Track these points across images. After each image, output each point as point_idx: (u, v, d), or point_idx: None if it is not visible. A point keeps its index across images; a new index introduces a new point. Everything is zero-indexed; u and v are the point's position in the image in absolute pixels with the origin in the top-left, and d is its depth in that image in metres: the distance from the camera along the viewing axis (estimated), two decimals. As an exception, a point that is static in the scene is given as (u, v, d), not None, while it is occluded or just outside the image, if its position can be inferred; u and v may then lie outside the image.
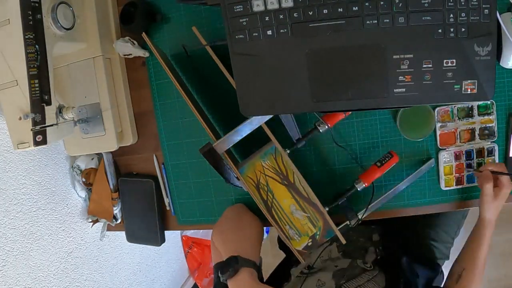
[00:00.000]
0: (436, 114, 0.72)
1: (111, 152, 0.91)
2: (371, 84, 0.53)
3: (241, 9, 0.54)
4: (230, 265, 0.62)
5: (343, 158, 0.78)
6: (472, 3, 0.49)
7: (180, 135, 0.86)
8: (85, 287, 1.06)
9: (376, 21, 0.51)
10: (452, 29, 0.50)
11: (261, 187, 0.68)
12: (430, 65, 0.51)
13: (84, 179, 0.94)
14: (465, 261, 0.71)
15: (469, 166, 0.75)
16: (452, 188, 0.76)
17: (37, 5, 0.64)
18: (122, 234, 0.96)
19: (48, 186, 0.93)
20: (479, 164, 0.74)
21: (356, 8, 0.51)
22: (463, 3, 0.49)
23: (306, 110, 0.57)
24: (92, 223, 0.98)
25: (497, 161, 0.74)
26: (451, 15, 0.50)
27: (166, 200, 0.90)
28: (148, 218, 0.90)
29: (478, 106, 0.72)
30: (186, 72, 0.81)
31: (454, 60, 0.51)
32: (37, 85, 0.65)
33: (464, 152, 0.74)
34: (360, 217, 0.73)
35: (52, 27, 0.68)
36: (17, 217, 0.84)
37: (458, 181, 0.75)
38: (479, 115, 0.73)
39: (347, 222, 0.73)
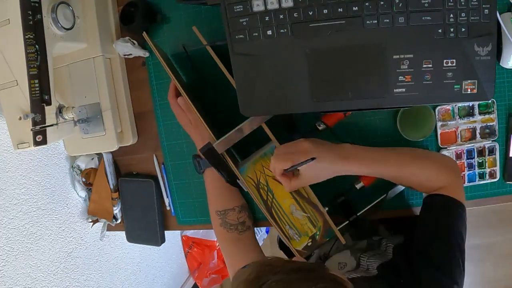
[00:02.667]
0: (436, 113, 0.72)
1: (111, 152, 0.91)
2: (371, 84, 0.53)
3: (241, 9, 0.54)
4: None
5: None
6: (472, 3, 0.49)
7: (180, 135, 0.86)
8: (85, 287, 1.06)
9: (376, 21, 0.51)
10: (452, 29, 0.50)
11: (261, 187, 0.68)
12: (430, 65, 0.51)
13: (84, 179, 0.94)
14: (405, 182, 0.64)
15: (470, 165, 0.75)
16: (452, 188, 0.76)
17: (37, 5, 0.64)
18: (122, 234, 0.96)
19: (48, 186, 0.93)
20: (480, 164, 0.74)
21: (356, 8, 0.51)
22: (463, 3, 0.49)
23: (306, 110, 0.57)
24: (92, 223, 0.98)
25: (498, 159, 0.74)
26: (451, 15, 0.50)
27: (166, 200, 0.90)
28: (148, 218, 0.90)
29: (479, 105, 0.72)
30: (186, 72, 0.81)
31: (454, 60, 0.51)
32: (37, 85, 0.65)
33: (465, 151, 0.74)
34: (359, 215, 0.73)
35: (52, 27, 0.68)
36: (17, 217, 0.84)
37: (459, 180, 0.75)
38: (479, 114, 0.73)
39: (347, 222, 0.73)
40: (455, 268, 0.53)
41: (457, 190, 0.60)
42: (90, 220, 0.97)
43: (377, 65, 0.53)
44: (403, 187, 0.75)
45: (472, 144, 0.74)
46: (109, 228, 0.99)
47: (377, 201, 0.73)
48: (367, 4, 0.51)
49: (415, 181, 0.62)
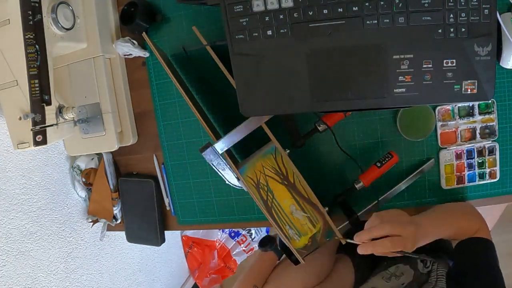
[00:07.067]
0: (436, 113, 0.72)
1: (111, 152, 0.91)
2: (371, 84, 0.53)
3: (241, 9, 0.54)
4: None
5: (343, 158, 0.78)
6: (472, 3, 0.49)
7: (180, 135, 0.86)
8: (85, 287, 1.06)
9: (376, 21, 0.51)
10: (452, 29, 0.50)
11: (261, 187, 0.68)
12: (430, 65, 0.51)
13: (84, 179, 0.94)
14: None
15: (470, 165, 0.75)
16: (453, 187, 0.76)
17: (37, 5, 0.64)
18: (122, 234, 0.96)
19: (48, 186, 0.93)
20: (480, 164, 0.74)
21: (356, 8, 0.51)
22: (463, 3, 0.49)
23: (306, 110, 0.57)
24: (92, 223, 0.98)
25: (498, 160, 0.74)
26: (451, 15, 0.50)
27: (166, 200, 0.90)
28: (148, 218, 0.90)
29: (479, 105, 0.72)
30: (186, 72, 0.81)
31: (454, 60, 0.51)
32: (37, 85, 0.65)
33: (465, 151, 0.74)
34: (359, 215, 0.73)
35: (52, 27, 0.68)
36: (17, 217, 0.84)
37: (459, 180, 0.75)
38: (479, 114, 0.72)
39: (347, 222, 0.73)
40: None
41: (487, 230, 0.67)
42: (90, 220, 0.97)
43: (377, 65, 0.52)
44: (403, 188, 0.75)
45: (472, 144, 0.74)
46: (109, 228, 0.99)
47: (376, 201, 0.73)
48: (367, 4, 0.50)
49: (459, 230, 0.67)
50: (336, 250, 0.85)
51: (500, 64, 0.68)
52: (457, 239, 0.69)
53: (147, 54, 0.83)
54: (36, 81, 0.65)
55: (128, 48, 0.80)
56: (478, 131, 0.73)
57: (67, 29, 0.71)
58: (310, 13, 0.52)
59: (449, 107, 0.73)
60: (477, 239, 0.65)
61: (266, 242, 0.77)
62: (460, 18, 0.50)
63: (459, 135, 0.74)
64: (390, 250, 0.56)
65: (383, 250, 0.56)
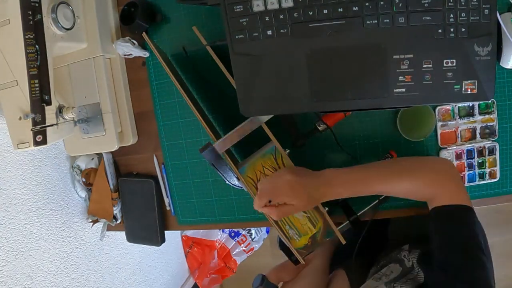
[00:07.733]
0: (436, 113, 0.72)
1: (111, 152, 0.91)
2: (371, 84, 0.53)
3: (241, 9, 0.54)
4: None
5: (343, 158, 0.78)
6: (472, 3, 0.49)
7: (180, 135, 0.86)
8: (85, 287, 1.06)
9: (376, 21, 0.51)
10: (452, 29, 0.50)
11: (261, 187, 0.68)
12: (430, 65, 0.51)
13: (84, 179, 0.94)
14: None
15: (470, 165, 0.75)
16: (452, 188, 0.76)
17: (37, 5, 0.64)
18: (122, 234, 0.96)
19: (48, 186, 0.93)
20: (480, 164, 0.74)
21: (356, 8, 0.51)
22: (463, 3, 0.49)
23: (306, 110, 0.57)
24: (92, 223, 0.98)
25: (498, 160, 0.74)
26: (451, 15, 0.50)
27: (166, 200, 0.90)
28: (148, 218, 0.90)
29: (479, 105, 0.72)
30: (186, 72, 0.81)
31: (454, 60, 0.51)
32: (37, 85, 0.65)
33: (465, 151, 0.74)
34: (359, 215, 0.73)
35: (52, 27, 0.68)
36: (17, 217, 0.84)
37: (459, 181, 0.75)
38: (480, 114, 0.72)
39: (347, 222, 0.73)
40: (481, 273, 0.52)
41: (455, 194, 0.57)
42: (90, 220, 0.97)
43: (377, 65, 0.53)
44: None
45: (472, 144, 0.74)
46: (109, 228, 0.99)
47: (376, 201, 0.73)
48: (367, 4, 0.51)
49: (407, 193, 0.61)
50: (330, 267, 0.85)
51: (500, 64, 0.68)
52: (414, 199, 0.63)
53: (147, 54, 0.83)
54: (36, 81, 0.65)
55: (128, 48, 0.80)
56: (478, 131, 0.73)
57: (67, 29, 0.71)
58: (310, 13, 0.52)
59: (449, 107, 0.73)
60: (441, 209, 0.57)
61: (258, 281, 0.77)
62: (460, 18, 0.50)
63: (459, 135, 0.74)
64: (259, 204, 0.60)
65: (257, 208, 0.61)
